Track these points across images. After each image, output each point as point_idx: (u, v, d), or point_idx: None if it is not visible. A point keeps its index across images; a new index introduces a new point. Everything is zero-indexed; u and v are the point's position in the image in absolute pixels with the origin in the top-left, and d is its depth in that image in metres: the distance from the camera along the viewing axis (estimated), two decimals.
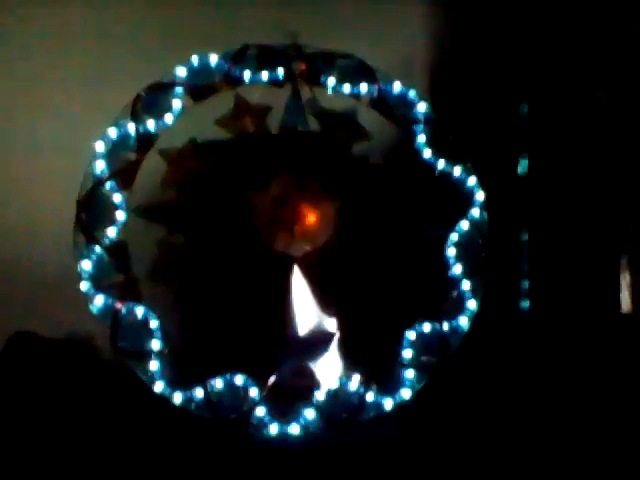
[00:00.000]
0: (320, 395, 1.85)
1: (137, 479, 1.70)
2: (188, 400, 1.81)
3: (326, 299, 1.94)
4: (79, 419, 1.84)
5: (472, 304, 1.93)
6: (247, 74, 1.99)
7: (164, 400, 1.80)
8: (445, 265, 1.96)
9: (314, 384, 1.87)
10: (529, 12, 2.04)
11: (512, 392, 1.97)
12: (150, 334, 1.82)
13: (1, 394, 1.89)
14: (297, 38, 2.01)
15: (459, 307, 1.94)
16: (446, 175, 2.02)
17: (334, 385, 1.86)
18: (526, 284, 2.05)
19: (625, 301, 1.92)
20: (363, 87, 2.04)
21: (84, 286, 1.83)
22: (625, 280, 1.93)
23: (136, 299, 1.84)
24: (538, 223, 2.00)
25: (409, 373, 1.88)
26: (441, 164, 2.02)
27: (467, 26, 2.26)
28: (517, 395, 1.96)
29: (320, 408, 1.84)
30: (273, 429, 1.81)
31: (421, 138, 2.03)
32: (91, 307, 1.82)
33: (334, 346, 1.92)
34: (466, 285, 1.94)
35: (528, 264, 2.04)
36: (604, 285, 1.91)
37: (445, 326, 1.92)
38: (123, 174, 1.89)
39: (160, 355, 1.82)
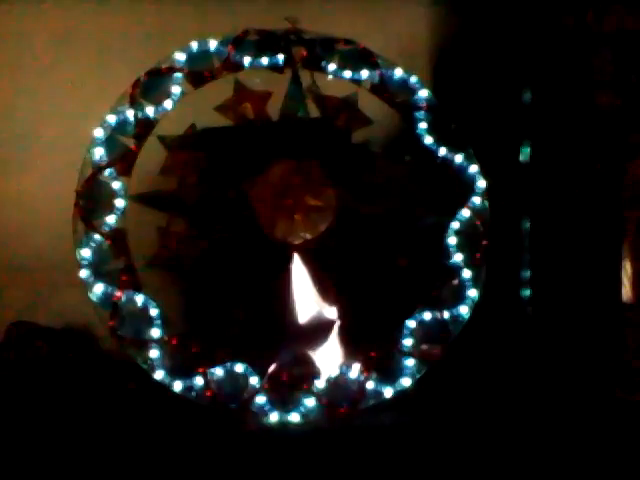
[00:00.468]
0: (320, 383, 1.85)
1: (138, 467, 1.69)
2: (188, 388, 1.81)
3: (326, 287, 1.94)
4: (78, 408, 1.84)
5: (473, 293, 1.93)
6: (247, 59, 1.98)
7: (164, 388, 1.80)
8: (446, 253, 1.96)
9: (314, 372, 1.87)
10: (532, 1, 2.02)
11: (513, 381, 1.98)
12: (150, 322, 1.82)
13: (1, 383, 1.89)
14: (297, 23, 1.99)
15: (460, 296, 1.94)
16: (447, 162, 2.01)
17: (334, 373, 1.87)
18: (527, 273, 2.05)
19: (626, 290, 1.92)
20: (364, 73, 2.02)
21: (84, 274, 1.82)
22: (626, 269, 1.93)
23: (136, 287, 1.83)
24: (540, 212, 1.99)
25: (409, 362, 1.88)
26: (442, 151, 2.01)
27: (470, 12, 2.24)
28: (518, 384, 1.97)
29: (320, 396, 1.84)
30: (273, 417, 1.82)
31: (422, 125, 2.02)
32: (91, 295, 1.81)
33: (334, 334, 1.92)
34: (467, 274, 1.95)
35: (529, 253, 2.03)
36: (605, 274, 1.91)
37: (446, 314, 1.92)
38: (122, 161, 1.87)
39: (160, 343, 1.81)
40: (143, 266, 1.87)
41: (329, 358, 1.90)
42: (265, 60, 1.99)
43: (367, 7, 2.30)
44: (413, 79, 2.04)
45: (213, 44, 1.97)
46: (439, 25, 2.29)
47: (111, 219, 1.84)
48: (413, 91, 2.04)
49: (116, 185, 1.86)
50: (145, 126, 1.90)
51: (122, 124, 1.89)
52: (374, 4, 2.30)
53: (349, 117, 2.03)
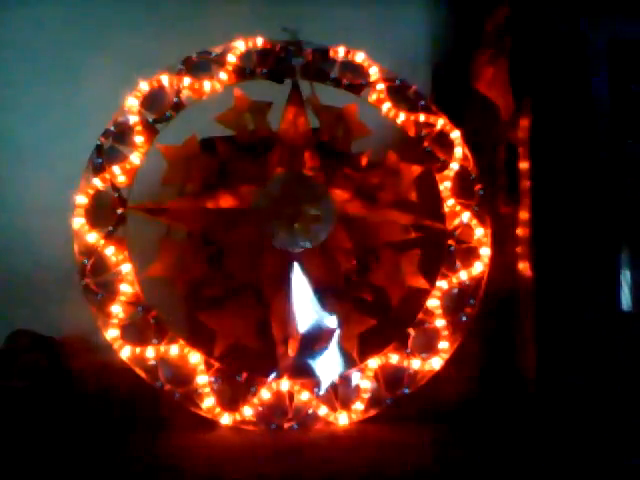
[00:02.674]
0: (320, 391, 1.86)
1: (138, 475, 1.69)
2: (189, 397, 1.81)
3: (326, 296, 1.94)
4: (78, 418, 1.84)
5: (472, 300, 1.96)
6: (248, 69, 1.99)
7: (166, 397, 1.80)
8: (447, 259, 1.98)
9: (314, 381, 1.88)
10: (530, 14, 2.02)
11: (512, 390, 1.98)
12: (150, 331, 1.83)
13: (1, 392, 1.89)
14: (297, 34, 2.00)
15: (462, 301, 1.96)
16: (447, 168, 2.03)
17: (334, 381, 1.87)
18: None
19: (625, 299, 1.92)
20: (364, 82, 2.04)
21: (84, 283, 1.82)
22: (625, 277, 1.93)
23: (136, 296, 1.84)
24: (539, 219, 1.99)
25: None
26: (442, 157, 2.04)
27: (470, 22, 2.25)
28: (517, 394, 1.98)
29: (320, 405, 1.85)
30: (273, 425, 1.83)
31: (423, 132, 2.04)
32: (91, 304, 1.82)
33: (334, 342, 1.92)
34: (467, 281, 1.97)
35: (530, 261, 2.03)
36: (603, 282, 1.91)
37: (445, 322, 1.94)
38: (123, 170, 1.88)
39: (160, 352, 1.82)
40: (143, 275, 1.87)
41: (329, 366, 1.90)
42: (265, 71, 2.00)
43: (367, 15, 2.32)
44: (413, 88, 2.06)
45: (214, 54, 1.98)
46: (439, 32, 2.32)
47: (111, 228, 1.85)
48: (413, 100, 2.06)
49: (117, 194, 1.87)
50: (146, 135, 1.91)
51: (123, 133, 1.90)
52: (373, 12, 2.32)
53: (348, 127, 2.04)
